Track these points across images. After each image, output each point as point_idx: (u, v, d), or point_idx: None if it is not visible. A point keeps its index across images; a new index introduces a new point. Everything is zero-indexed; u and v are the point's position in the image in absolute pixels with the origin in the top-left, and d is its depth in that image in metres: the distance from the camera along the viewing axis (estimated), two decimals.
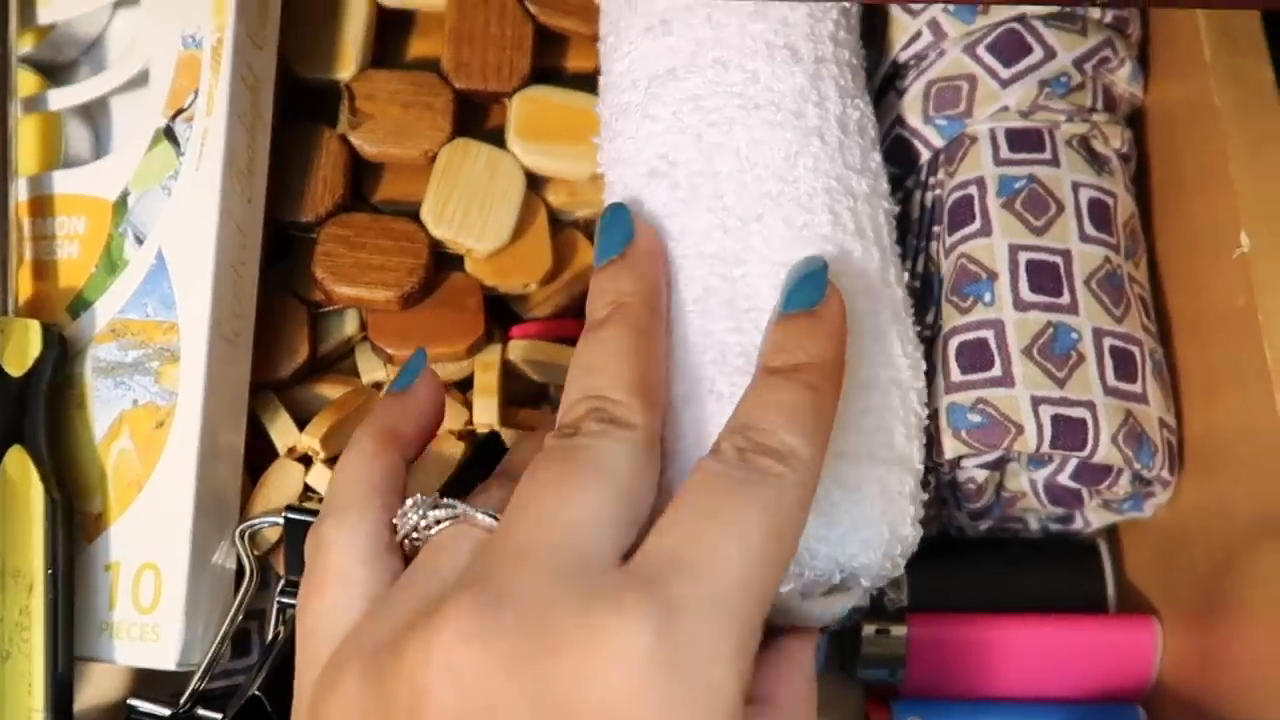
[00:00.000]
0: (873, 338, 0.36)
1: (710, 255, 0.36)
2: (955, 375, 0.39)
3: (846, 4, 0.40)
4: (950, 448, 0.38)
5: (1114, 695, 0.43)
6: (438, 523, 0.31)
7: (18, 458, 0.37)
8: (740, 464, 0.29)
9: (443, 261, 0.44)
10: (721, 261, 0.36)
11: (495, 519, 0.30)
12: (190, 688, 0.37)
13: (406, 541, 0.32)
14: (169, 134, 0.40)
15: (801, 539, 0.33)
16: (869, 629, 0.42)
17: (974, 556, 0.45)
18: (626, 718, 0.25)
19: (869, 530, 0.34)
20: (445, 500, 0.31)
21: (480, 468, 0.41)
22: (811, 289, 0.33)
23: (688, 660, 0.25)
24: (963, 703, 0.43)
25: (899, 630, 0.42)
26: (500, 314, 0.46)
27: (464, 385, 0.45)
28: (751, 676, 0.26)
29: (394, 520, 0.32)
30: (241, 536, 0.39)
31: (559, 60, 0.47)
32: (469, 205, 0.43)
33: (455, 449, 0.43)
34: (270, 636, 0.39)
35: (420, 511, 0.31)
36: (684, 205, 0.37)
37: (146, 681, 0.41)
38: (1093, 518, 0.44)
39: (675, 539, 0.27)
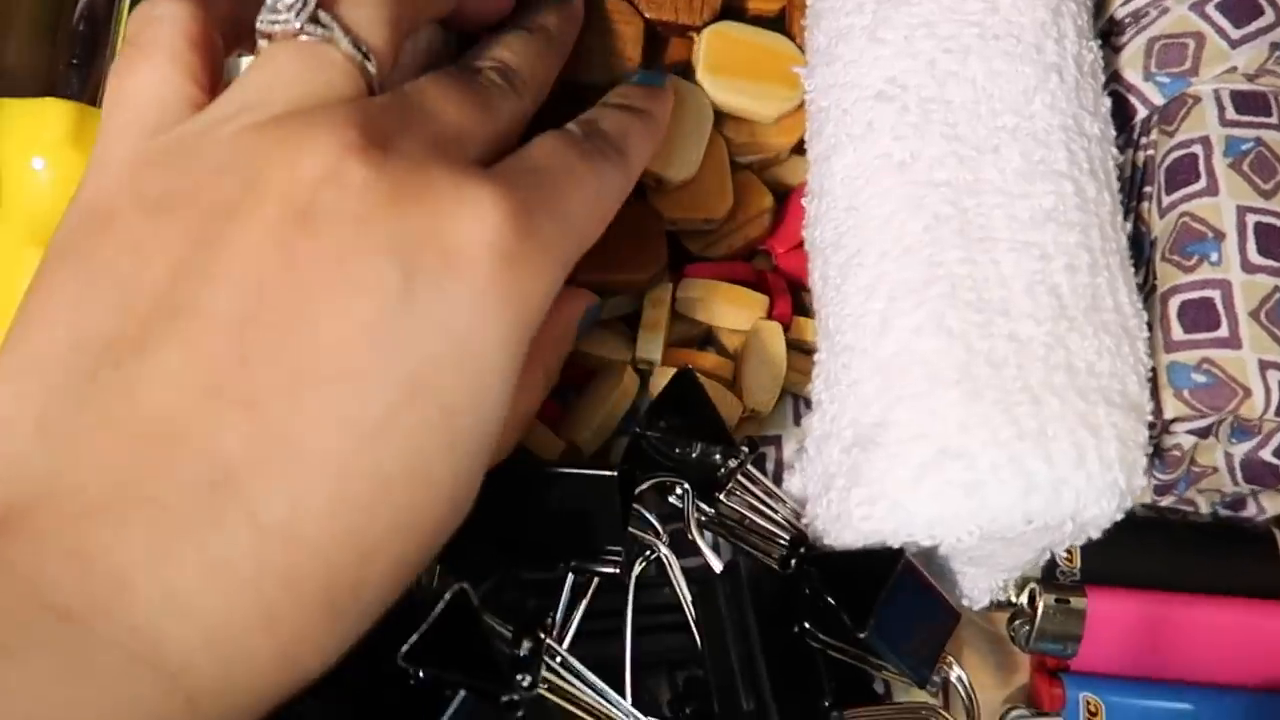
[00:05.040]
0: (1105, 279, 0.35)
1: (941, 183, 0.35)
2: (1177, 334, 0.37)
3: None
4: (1171, 407, 0.37)
5: None
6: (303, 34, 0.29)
7: None
8: (587, 139, 0.33)
9: None
10: (953, 189, 0.35)
11: (367, 58, 0.29)
12: None
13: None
14: None
15: (1043, 484, 0.32)
16: (1048, 599, 0.41)
17: (1146, 535, 0.43)
18: (461, 277, 0.26)
19: (1108, 476, 0.32)
20: (323, 13, 0.29)
21: (671, 406, 0.39)
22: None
23: (523, 256, 0.27)
24: (1138, 682, 0.41)
25: (1079, 602, 0.41)
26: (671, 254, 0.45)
27: (629, 321, 0.43)
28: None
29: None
30: None
31: (742, 1, 0.46)
32: None
33: (622, 379, 0.42)
34: None
35: (296, 12, 0.29)
36: (914, 130, 0.36)
37: None
38: (1268, 504, 0.42)
39: (536, 163, 0.30)
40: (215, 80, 0.30)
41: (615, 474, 0.34)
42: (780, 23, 0.45)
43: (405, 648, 0.30)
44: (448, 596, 0.30)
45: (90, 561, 0.23)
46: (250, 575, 0.24)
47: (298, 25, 0.29)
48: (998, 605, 0.41)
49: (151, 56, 0.29)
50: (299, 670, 0.25)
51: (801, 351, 0.44)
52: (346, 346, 0.25)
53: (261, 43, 0.30)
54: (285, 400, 0.25)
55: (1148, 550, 0.43)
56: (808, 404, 0.43)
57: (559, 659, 0.33)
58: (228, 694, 0.24)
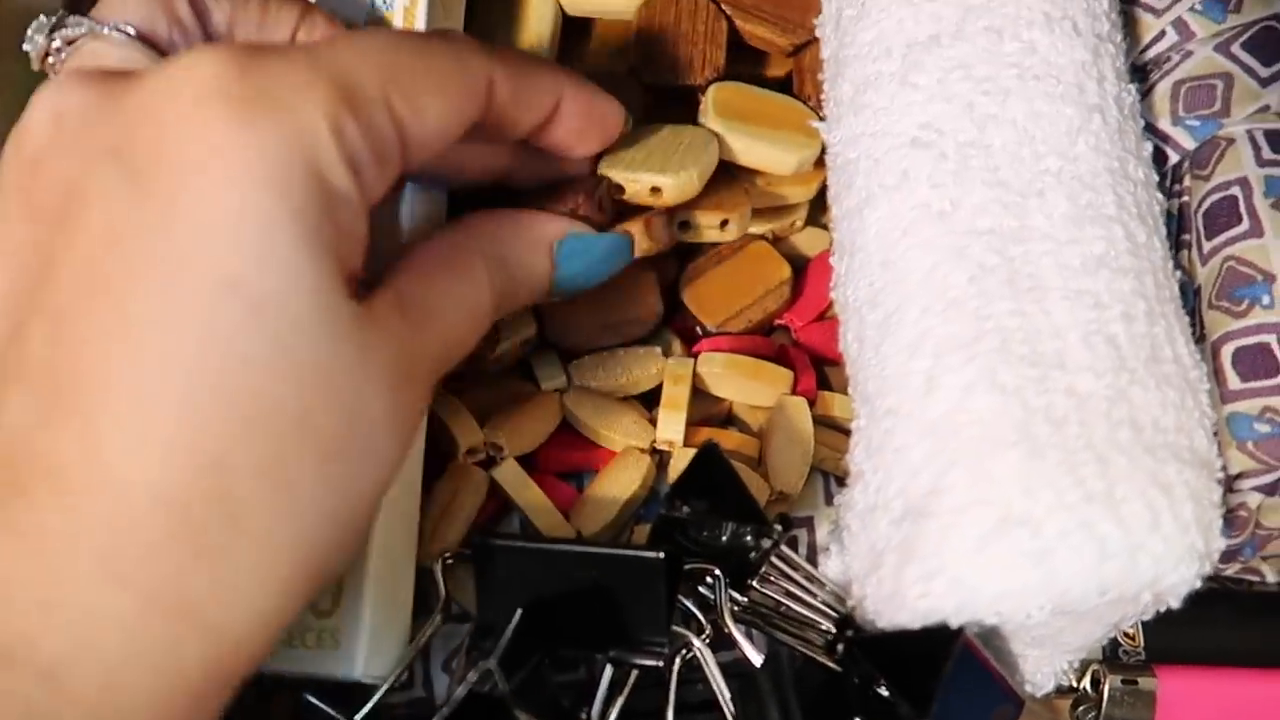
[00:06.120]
0: (1163, 328, 0.33)
1: (985, 231, 0.33)
2: (1234, 383, 0.35)
3: None
4: (1236, 461, 0.34)
5: None
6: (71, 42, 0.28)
7: None
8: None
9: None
10: (998, 238, 0.33)
11: (129, 34, 0.28)
12: (373, 700, 0.32)
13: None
14: None
15: (1118, 550, 0.29)
16: (1114, 681, 0.38)
17: (1210, 607, 0.40)
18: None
19: (1185, 538, 0.30)
20: (70, 16, 0.28)
21: (696, 486, 0.36)
22: None
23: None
24: None
25: (1148, 683, 0.38)
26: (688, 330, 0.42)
27: (647, 401, 0.41)
28: None
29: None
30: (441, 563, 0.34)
31: (753, 68, 0.44)
32: (651, 152, 0.37)
33: (639, 467, 0.39)
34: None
35: (45, 33, 0.28)
36: (953, 177, 0.34)
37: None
38: None
39: None
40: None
41: (660, 556, 0.30)
42: (785, 87, 0.44)
43: None
44: (471, 677, 0.27)
45: None
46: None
47: None
48: (1058, 690, 0.38)
49: None
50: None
51: (829, 427, 0.41)
52: None
53: None
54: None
55: (1213, 624, 0.40)
56: (839, 482, 0.41)
57: None
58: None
